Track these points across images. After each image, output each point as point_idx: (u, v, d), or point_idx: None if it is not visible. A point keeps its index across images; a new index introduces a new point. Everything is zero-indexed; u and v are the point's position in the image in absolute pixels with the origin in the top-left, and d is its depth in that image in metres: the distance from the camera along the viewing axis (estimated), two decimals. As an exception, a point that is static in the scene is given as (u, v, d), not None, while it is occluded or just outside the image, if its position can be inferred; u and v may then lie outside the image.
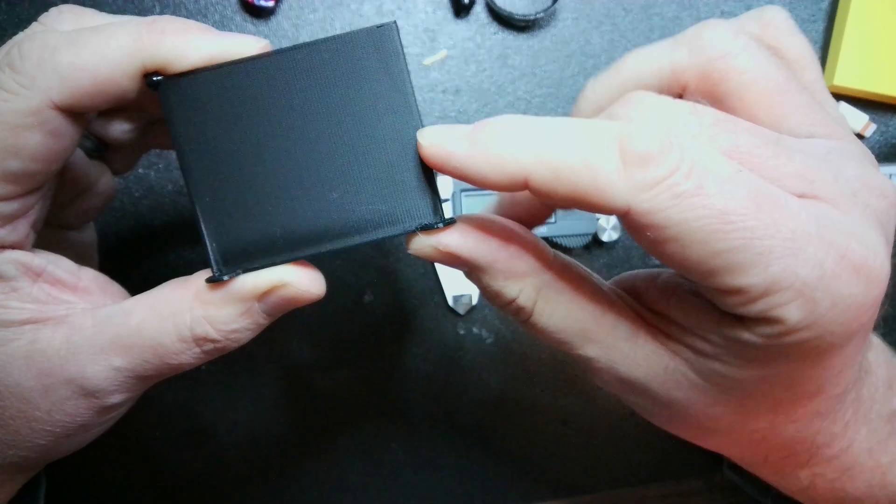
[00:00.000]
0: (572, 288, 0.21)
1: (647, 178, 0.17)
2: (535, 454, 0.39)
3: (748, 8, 0.38)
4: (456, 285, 0.37)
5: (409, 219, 0.21)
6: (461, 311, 0.37)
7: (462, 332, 0.38)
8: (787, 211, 0.18)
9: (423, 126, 0.21)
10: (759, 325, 0.19)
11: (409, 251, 0.22)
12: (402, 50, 0.21)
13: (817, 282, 0.17)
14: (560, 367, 0.38)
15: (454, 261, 0.21)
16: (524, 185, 0.18)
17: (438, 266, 0.36)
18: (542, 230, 0.34)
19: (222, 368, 0.37)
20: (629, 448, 0.39)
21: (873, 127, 0.38)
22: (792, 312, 0.18)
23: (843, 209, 0.19)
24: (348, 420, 0.38)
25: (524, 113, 0.37)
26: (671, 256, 0.18)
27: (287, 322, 0.37)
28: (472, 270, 0.21)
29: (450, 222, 0.21)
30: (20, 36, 0.21)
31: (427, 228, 0.21)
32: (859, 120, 0.38)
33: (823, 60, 0.38)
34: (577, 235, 0.35)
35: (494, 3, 0.36)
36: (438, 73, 0.37)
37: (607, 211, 0.18)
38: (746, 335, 0.19)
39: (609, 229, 0.35)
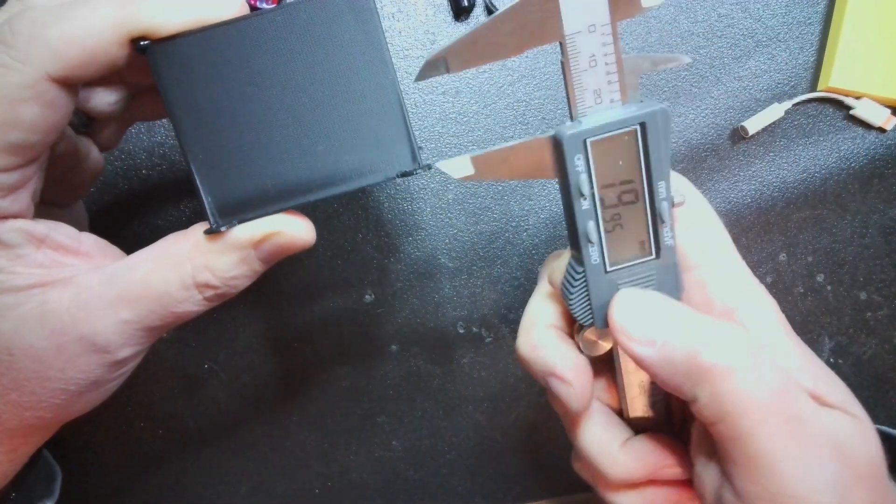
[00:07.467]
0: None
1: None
2: (534, 453, 0.39)
3: (745, 11, 0.38)
4: None
5: (390, 166, 0.23)
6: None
7: (462, 331, 0.38)
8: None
9: (397, 79, 0.23)
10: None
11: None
12: (376, 8, 0.23)
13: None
14: (559, 366, 0.39)
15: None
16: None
17: None
18: None
19: (225, 367, 0.37)
20: (628, 447, 0.39)
21: (894, 121, 0.38)
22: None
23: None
24: (348, 419, 0.38)
25: (523, 114, 0.38)
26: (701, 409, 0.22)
27: (288, 321, 0.38)
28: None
29: (426, 167, 0.23)
30: (4, 14, 0.22)
31: (407, 174, 0.23)
32: (881, 114, 0.38)
33: (819, 63, 0.39)
34: None
35: (494, 6, 0.37)
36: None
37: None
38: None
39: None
